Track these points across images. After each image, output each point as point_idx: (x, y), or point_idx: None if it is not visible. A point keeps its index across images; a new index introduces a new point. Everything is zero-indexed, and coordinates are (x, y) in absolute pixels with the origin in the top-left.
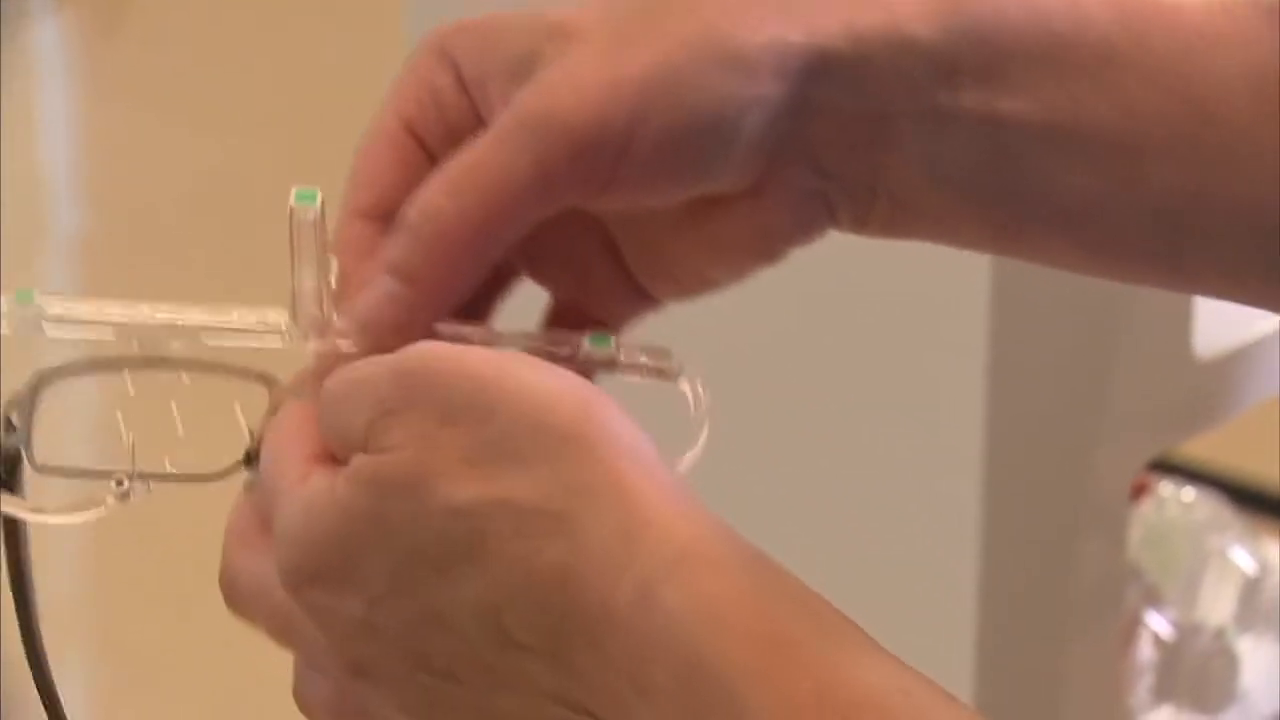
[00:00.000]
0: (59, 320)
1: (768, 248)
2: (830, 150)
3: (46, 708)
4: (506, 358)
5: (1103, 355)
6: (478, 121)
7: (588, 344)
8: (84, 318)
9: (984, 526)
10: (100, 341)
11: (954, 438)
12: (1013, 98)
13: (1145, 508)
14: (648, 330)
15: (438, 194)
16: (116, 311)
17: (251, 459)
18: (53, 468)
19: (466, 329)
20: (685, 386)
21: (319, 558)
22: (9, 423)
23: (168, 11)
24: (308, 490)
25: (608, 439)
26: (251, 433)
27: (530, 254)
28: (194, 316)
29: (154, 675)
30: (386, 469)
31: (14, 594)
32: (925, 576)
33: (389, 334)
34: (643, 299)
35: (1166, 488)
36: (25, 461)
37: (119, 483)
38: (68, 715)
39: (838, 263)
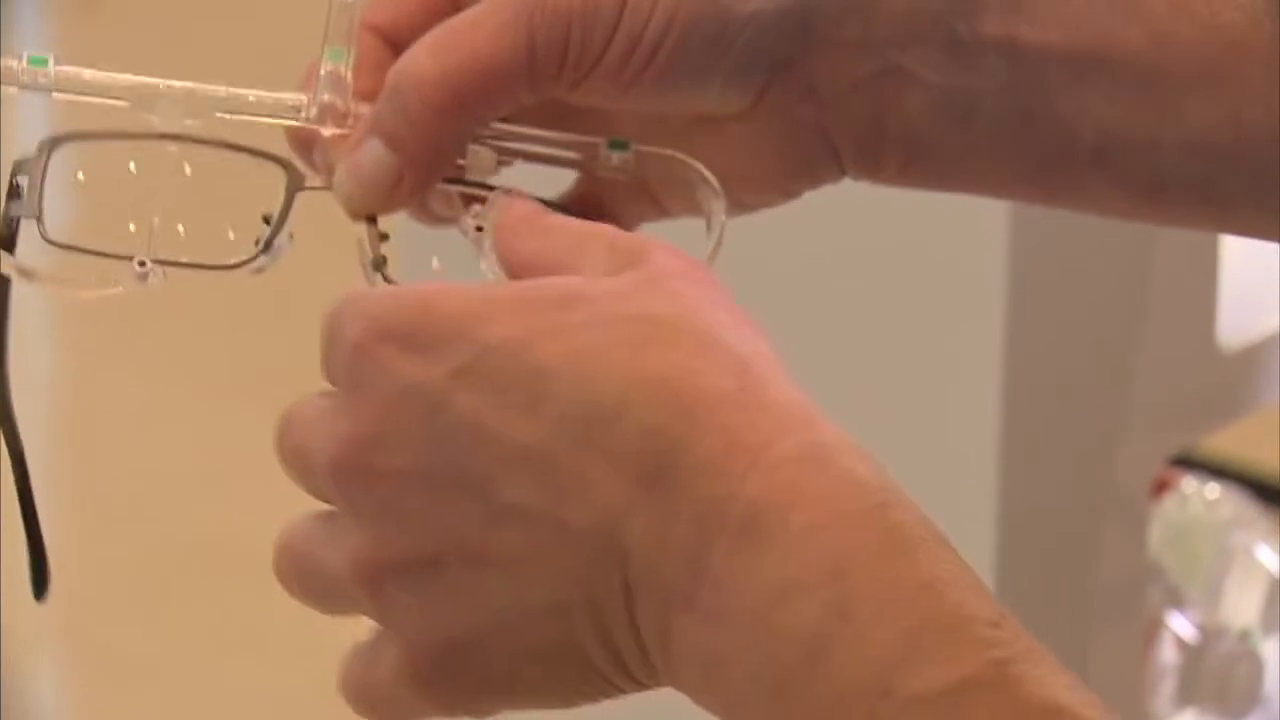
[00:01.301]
0: (69, 83)
1: (764, 181)
2: (833, 82)
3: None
4: None
5: (1123, 346)
6: None
7: (607, 148)
8: (98, 82)
9: (1000, 524)
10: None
11: (968, 432)
12: (1037, 26)
13: (1167, 505)
14: None
15: (422, 56)
16: (131, 79)
17: (269, 245)
18: (66, 244)
19: (499, 128)
20: (702, 197)
21: (422, 322)
22: (14, 187)
23: None
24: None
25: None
26: (268, 218)
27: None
28: (211, 89)
29: (129, 679)
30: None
31: None
32: None
33: (381, 195)
34: (654, 205)
35: (1189, 484)
36: (36, 233)
37: (141, 264)
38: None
39: (851, 248)
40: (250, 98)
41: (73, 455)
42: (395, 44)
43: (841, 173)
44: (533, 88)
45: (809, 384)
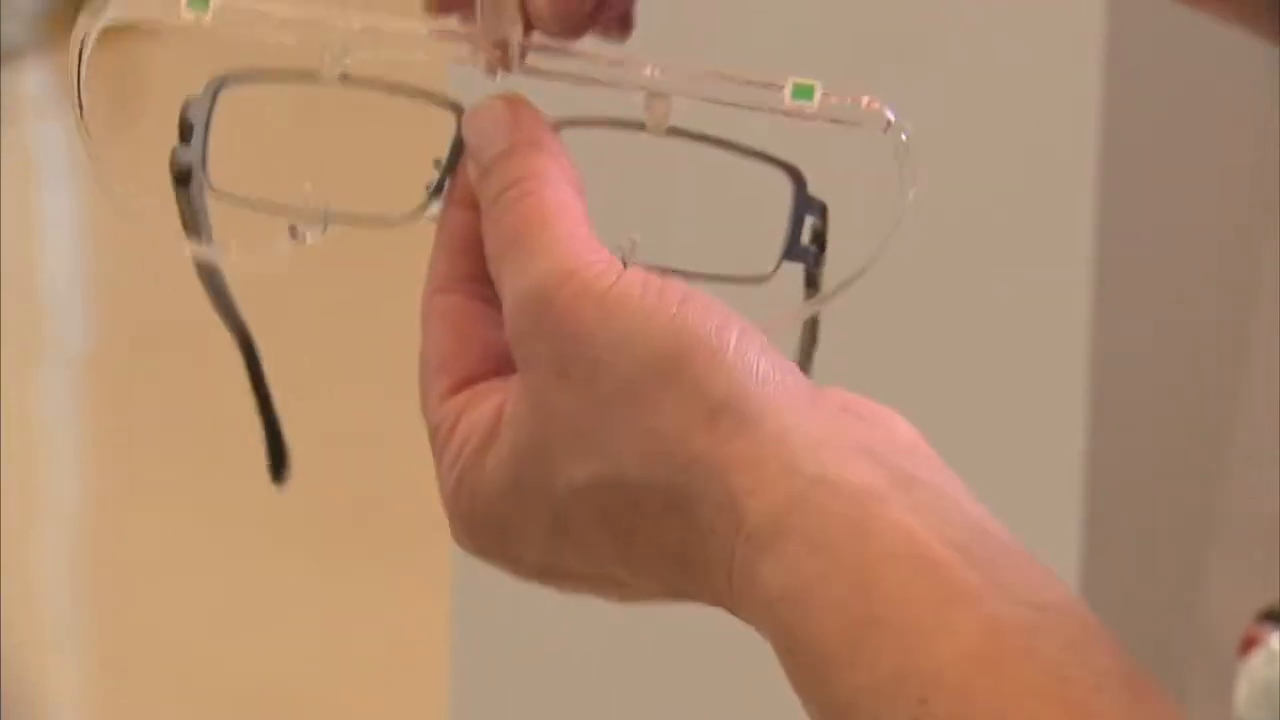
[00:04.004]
0: (234, 18)
1: None
2: None
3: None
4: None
5: (1208, 492)
6: None
7: (792, 96)
8: (259, 11)
9: None
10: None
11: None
12: None
13: (1254, 662)
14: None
15: None
16: (293, 13)
17: (438, 190)
18: (230, 194)
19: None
20: (892, 134)
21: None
22: (186, 127)
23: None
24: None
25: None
26: (438, 162)
27: None
28: (386, 22)
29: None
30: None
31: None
32: None
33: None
34: None
35: (1278, 640)
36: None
37: (293, 227)
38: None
39: (933, 361)
40: (421, 30)
41: (102, 593)
42: None
43: None
44: None
45: None
